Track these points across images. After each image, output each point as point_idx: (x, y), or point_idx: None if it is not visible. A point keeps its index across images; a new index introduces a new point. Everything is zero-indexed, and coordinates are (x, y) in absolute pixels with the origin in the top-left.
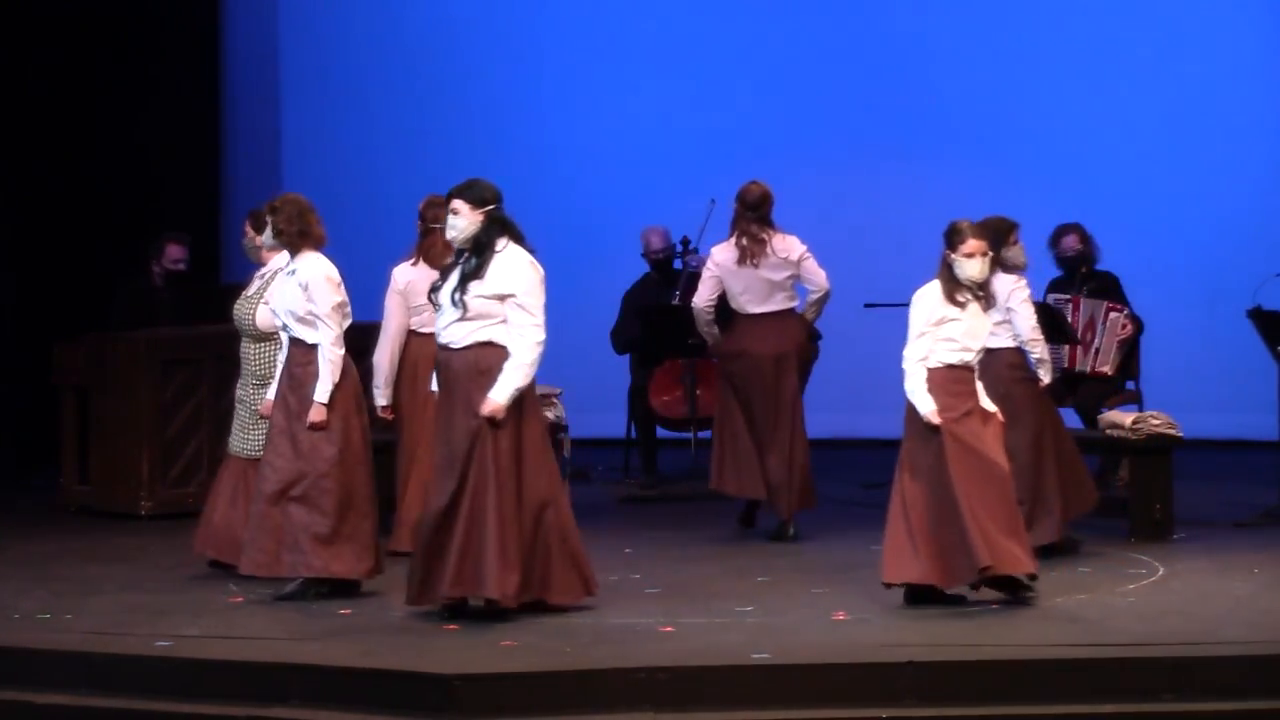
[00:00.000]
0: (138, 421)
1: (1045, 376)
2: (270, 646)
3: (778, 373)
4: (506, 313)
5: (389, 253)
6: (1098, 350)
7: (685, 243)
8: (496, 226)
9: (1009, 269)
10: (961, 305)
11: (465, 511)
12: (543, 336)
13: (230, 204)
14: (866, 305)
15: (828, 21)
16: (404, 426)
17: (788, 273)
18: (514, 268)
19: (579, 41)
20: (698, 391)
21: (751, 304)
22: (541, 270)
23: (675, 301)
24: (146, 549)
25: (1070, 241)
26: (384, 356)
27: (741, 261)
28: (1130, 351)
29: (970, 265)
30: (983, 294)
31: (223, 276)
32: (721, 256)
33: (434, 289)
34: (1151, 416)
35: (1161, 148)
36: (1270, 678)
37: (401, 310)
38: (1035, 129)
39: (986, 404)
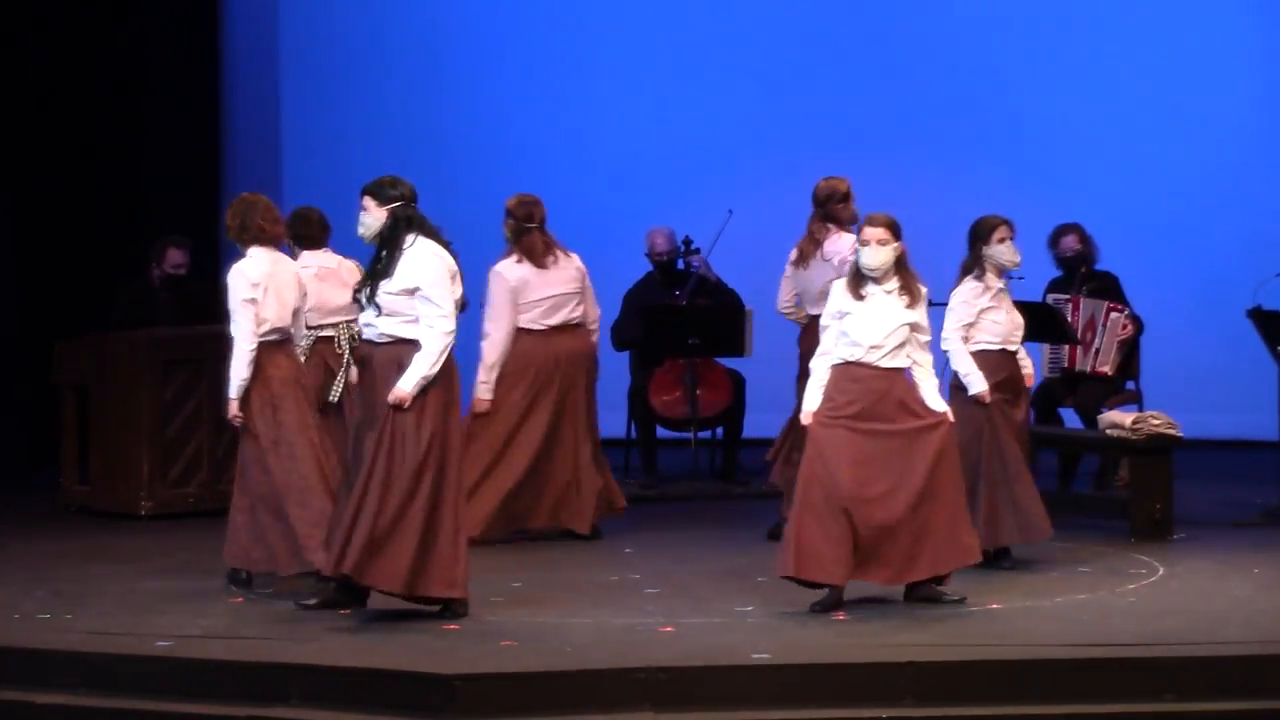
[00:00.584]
0: (138, 421)
1: (971, 388)
2: (270, 646)
3: None
4: (416, 306)
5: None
6: (1098, 350)
7: (687, 243)
8: (403, 223)
9: (991, 268)
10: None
11: (359, 499)
12: (450, 327)
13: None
14: None
15: (833, 22)
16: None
17: (830, 276)
18: (419, 261)
19: (580, 41)
20: (698, 392)
21: (810, 306)
22: (451, 262)
23: (682, 302)
24: (146, 549)
25: (1070, 242)
26: (495, 352)
27: (798, 263)
28: (1130, 351)
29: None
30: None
31: (222, 277)
32: (792, 256)
33: (357, 288)
34: (1151, 416)
35: (1161, 148)
36: (1270, 678)
37: (512, 307)
38: (1035, 129)
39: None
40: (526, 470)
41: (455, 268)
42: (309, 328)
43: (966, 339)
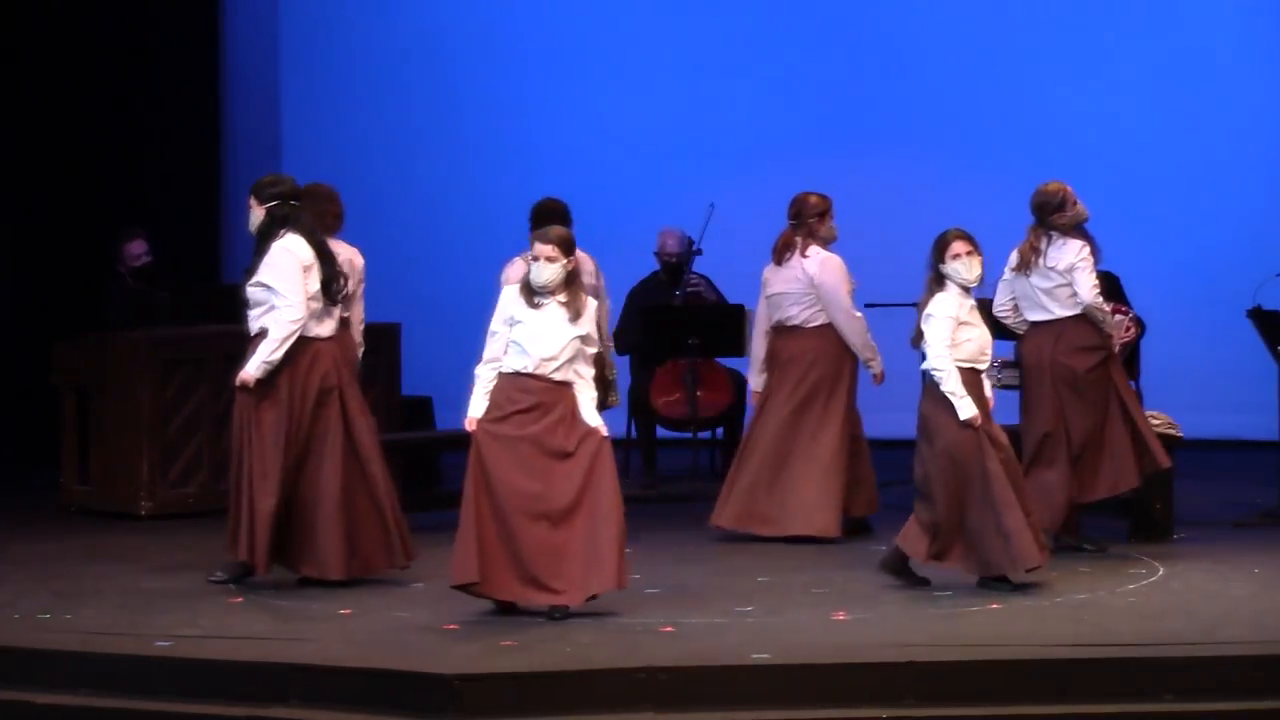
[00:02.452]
0: (138, 421)
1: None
2: (270, 646)
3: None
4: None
5: (388, 252)
6: None
7: (689, 243)
8: (278, 221)
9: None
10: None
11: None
12: (295, 315)
13: (230, 204)
14: (867, 305)
15: (834, 22)
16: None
17: (1054, 283)
18: (271, 256)
19: (581, 41)
20: (698, 392)
21: (1030, 312)
22: (303, 255)
23: (680, 302)
24: (146, 549)
25: None
26: (758, 347)
27: (1019, 269)
28: (1131, 352)
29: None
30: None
31: (223, 277)
32: (1012, 261)
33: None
34: (1151, 416)
35: (1162, 148)
36: (1270, 678)
37: (766, 305)
38: (1035, 129)
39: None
40: None
41: (308, 260)
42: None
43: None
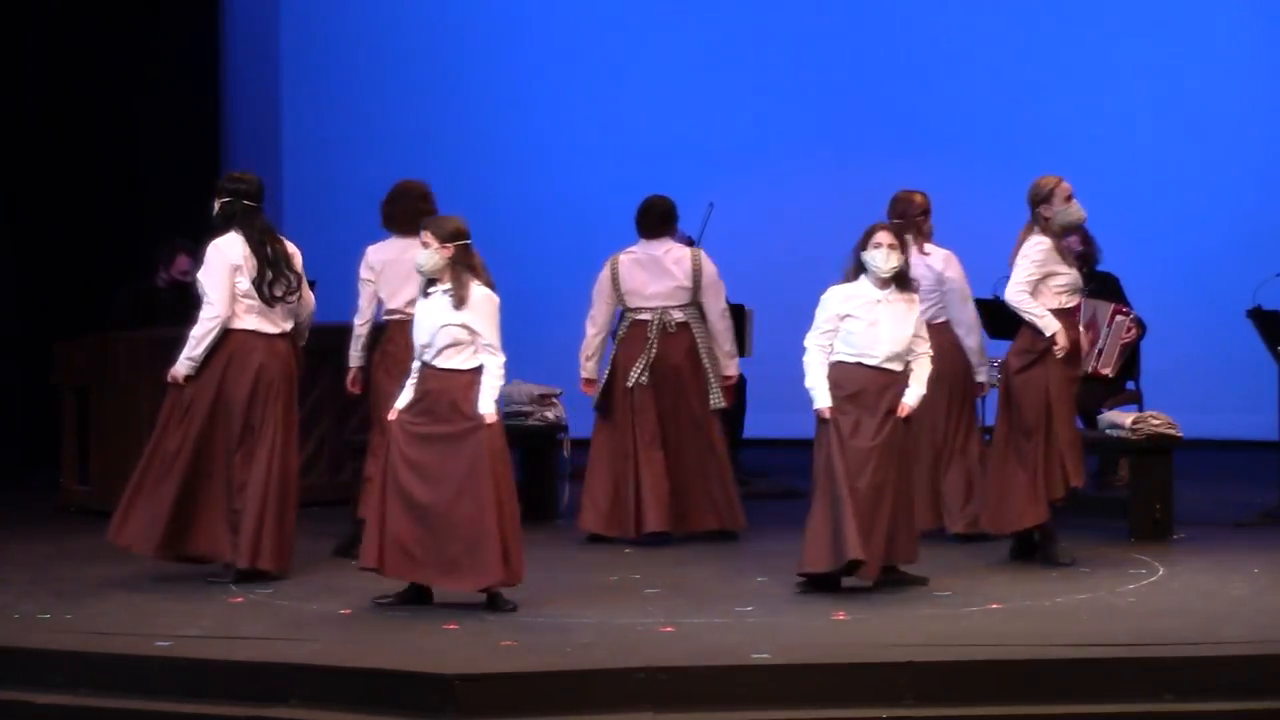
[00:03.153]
0: (138, 421)
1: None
2: (270, 646)
3: None
4: None
5: None
6: (1101, 350)
7: (689, 242)
8: (224, 219)
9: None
10: None
11: None
12: (212, 313)
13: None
14: None
15: (836, 23)
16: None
17: None
18: (206, 252)
19: (579, 40)
20: None
21: None
22: (233, 254)
23: None
24: None
25: (1071, 242)
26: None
27: None
28: (1131, 353)
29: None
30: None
31: None
32: None
33: None
34: (1151, 416)
35: (1161, 148)
36: (1270, 678)
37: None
38: (1035, 129)
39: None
40: None
41: (237, 260)
42: (628, 309)
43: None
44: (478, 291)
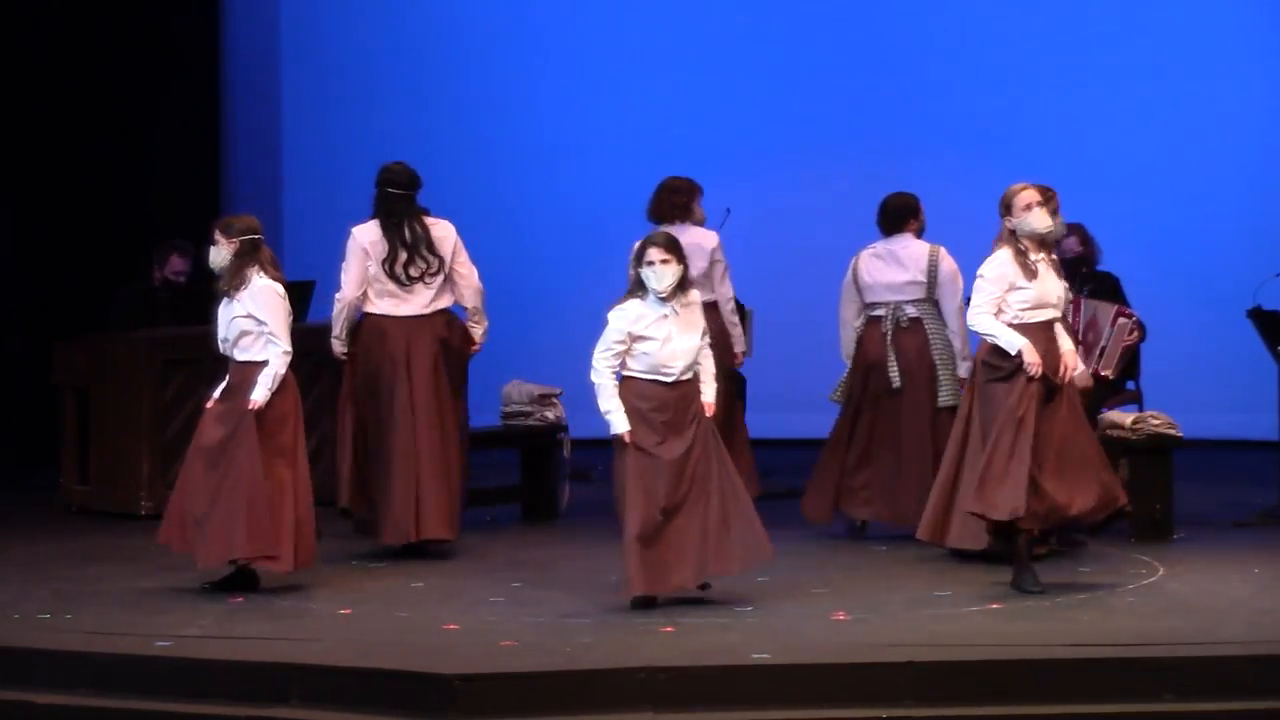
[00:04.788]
0: (138, 421)
1: None
2: (270, 646)
3: None
4: None
5: None
6: (1103, 350)
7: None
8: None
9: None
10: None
11: None
12: (340, 294)
13: (230, 205)
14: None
15: (837, 23)
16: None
17: None
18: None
19: (579, 40)
20: None
21: None
22: (360, 240)
23: None
24: (146, 549)
25: (1071, 243)
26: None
27: None
28: (1131, 353)
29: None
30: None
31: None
32: None
33: None
34: (1151, 416)
35: (1161, 148)
36: (1270, 678)
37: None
38: (1035, 129)
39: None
40: None
41: (366, 245)
42: (867, 304)
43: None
44: (259, 282)
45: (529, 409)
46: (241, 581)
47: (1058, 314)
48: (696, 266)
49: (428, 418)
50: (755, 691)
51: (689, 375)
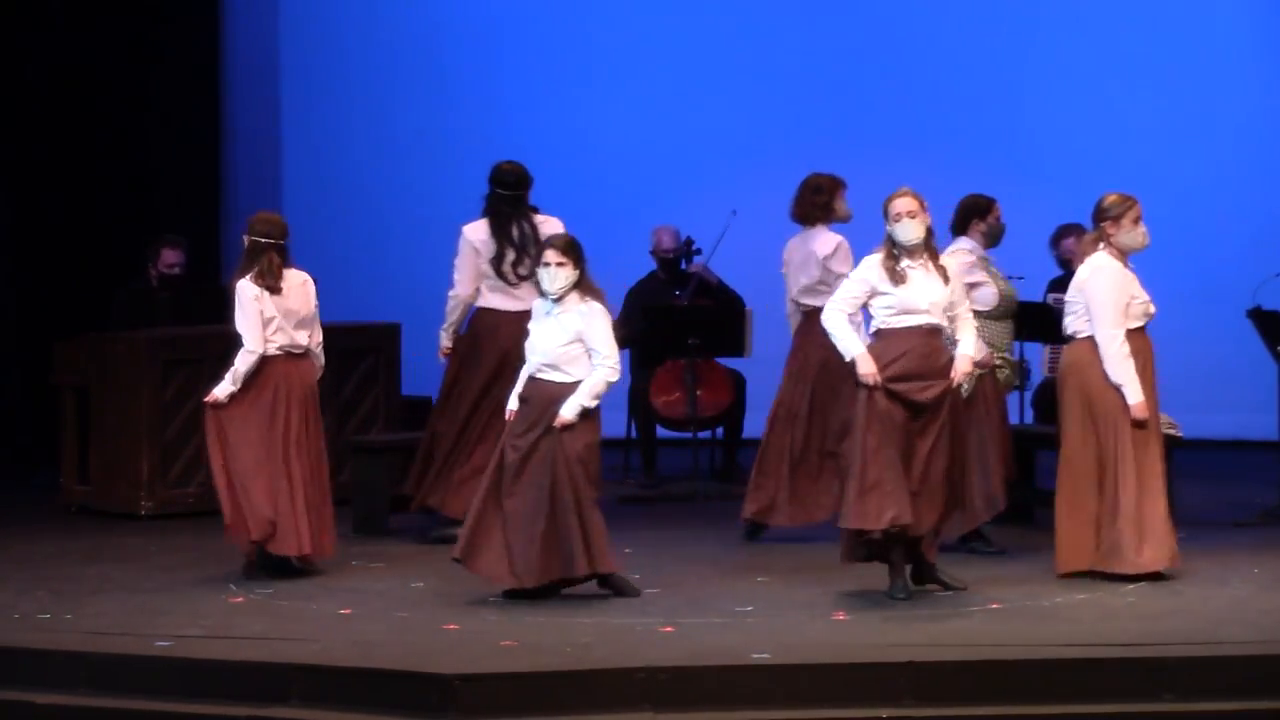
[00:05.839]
0: (138, 421)
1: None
2: (270, 646)
3: None
4: None
5: (388, 252)
6: None
7: (689, 243)
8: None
9: None
10: None
11: None
12: (453, 291)
13: (230, 206)
14: None
15: (836, 22)
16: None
17: None
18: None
19: (582, 40)
20: (698, 392)
21: None
22: (471, 239)
23: (684, 302)
24: (146, 549)
25: (1071, 243)
26: None
27: None
28: None
29: None
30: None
31: (222, 278)
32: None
33: None
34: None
35: (1161, 148)
36: (1270, 678)
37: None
38: (1036, 130)
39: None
40: None
41: (477, 243)
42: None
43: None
44: (239, 281)
45: None
46: (273, 566)
47: (934, 320)
48: (809, 274)
49: None
50: (755, 691)
51: (545, 375)
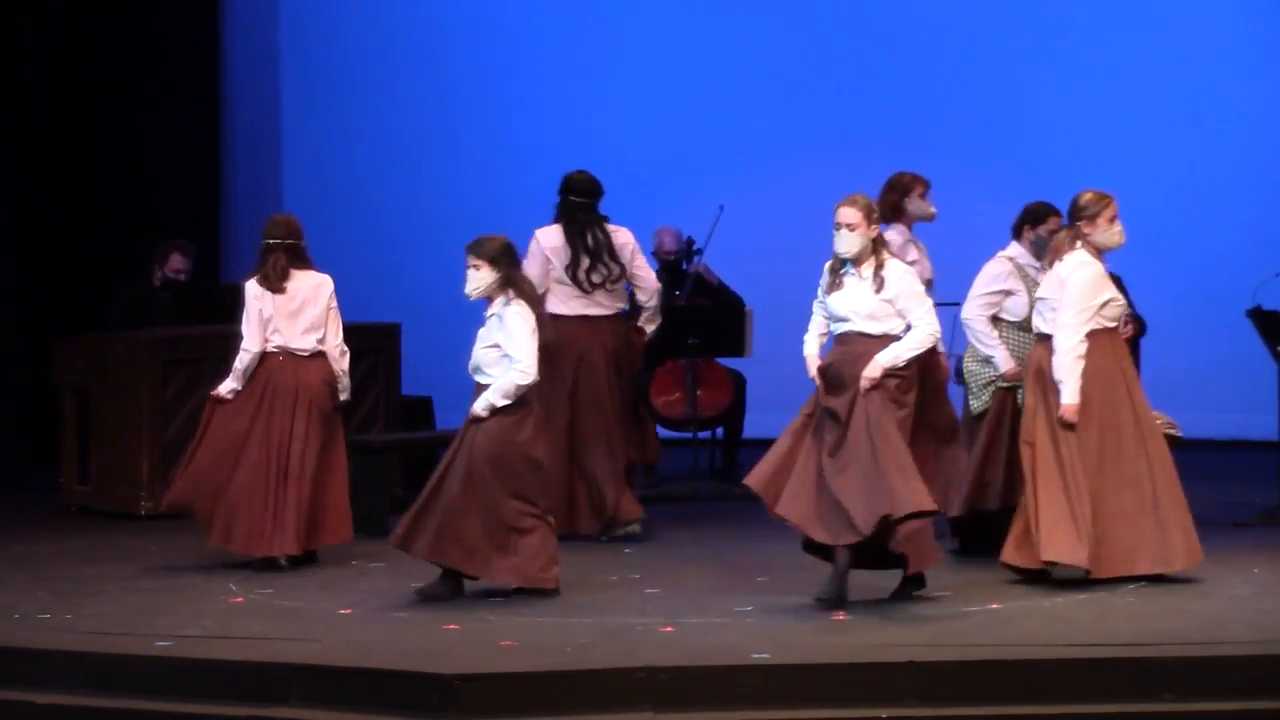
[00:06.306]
0: (138, 421)
1: None
2: (270, 646)
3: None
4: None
5: (389, 252)
6: None
7: (690, 244)
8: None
9: None
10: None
11: None
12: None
13: (230, 206)
14: None
15: (835, 22)
16: None
17: None
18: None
19: (581, 40)
20: (698, 392)
21: None
22: (543, 244)
23: (682, 302)
24: (146, 549)
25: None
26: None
27: None
28: (1131, 352)
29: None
30: None
31: (221, 277)
32: None
33: None
34: (1152, 416)
35: (1161, 147)
36: (1270, 678)
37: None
38: (1036, 130)
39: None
40: None
41: (548, 250)
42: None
43: None
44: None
45: None
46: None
47: (857, 328)
48: None
49: (599, 414)
50: (755, 691)
51: (476, 377)
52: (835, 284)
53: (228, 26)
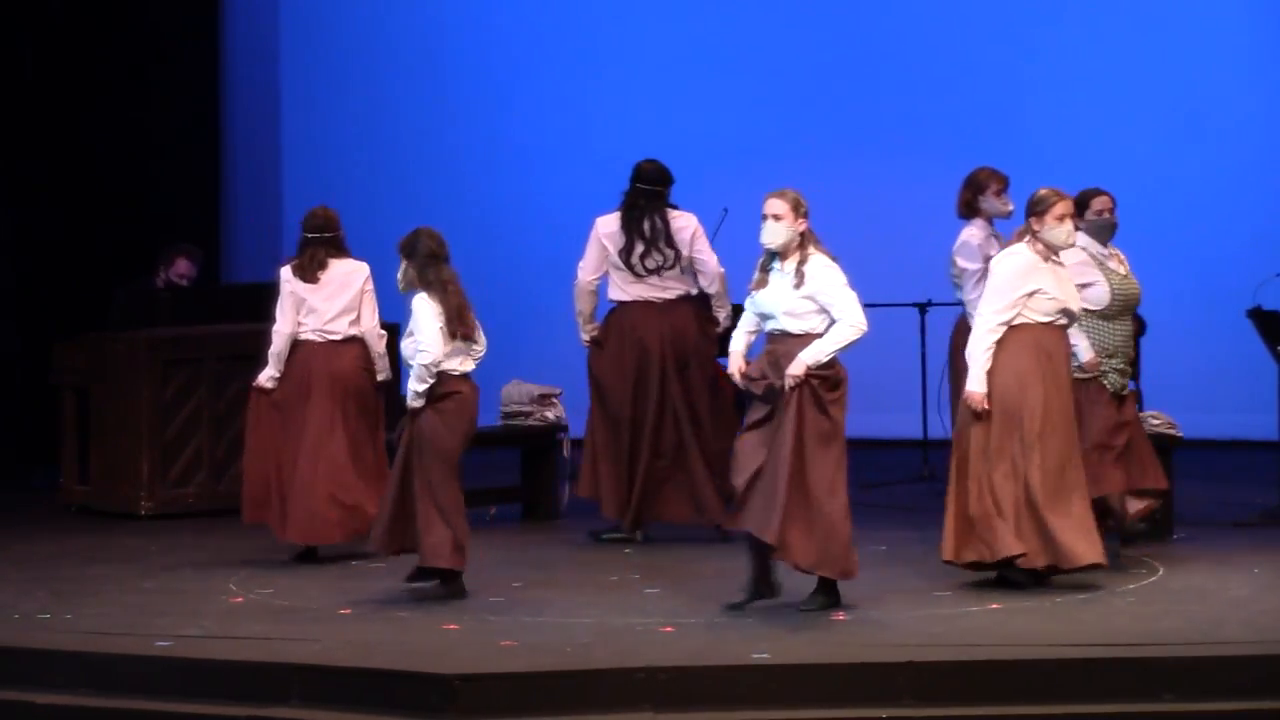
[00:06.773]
0: (138, 421)
1: None
2: (270, 646)
3: None
4: None
5: (388, 253)
6: None
7: None
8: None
9: None
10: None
11: None
12: (578, 277)
13: (230, 206)
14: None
15: (834, 21)
16: None
17: None
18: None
19: (580, 41)
20: None
21: None
22: (599, 230)
23: None
24: (146, 549)
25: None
26: None
27: None
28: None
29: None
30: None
31: (221, 278)
32: None
33: None
34: (1151, 416)
35: (1161, 147)
36: (1270, 678)
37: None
38: (1035, 129)
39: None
40: None
41: (603, 235)
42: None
43: None
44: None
45: (529, 409)
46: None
47: (781, 326)
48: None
49: (682, 406)
50: (755, 691)
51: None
52: (762, 281)
53: (228, 26)
